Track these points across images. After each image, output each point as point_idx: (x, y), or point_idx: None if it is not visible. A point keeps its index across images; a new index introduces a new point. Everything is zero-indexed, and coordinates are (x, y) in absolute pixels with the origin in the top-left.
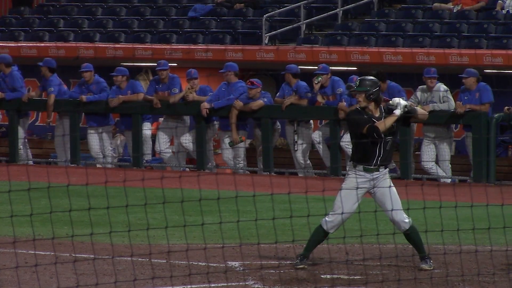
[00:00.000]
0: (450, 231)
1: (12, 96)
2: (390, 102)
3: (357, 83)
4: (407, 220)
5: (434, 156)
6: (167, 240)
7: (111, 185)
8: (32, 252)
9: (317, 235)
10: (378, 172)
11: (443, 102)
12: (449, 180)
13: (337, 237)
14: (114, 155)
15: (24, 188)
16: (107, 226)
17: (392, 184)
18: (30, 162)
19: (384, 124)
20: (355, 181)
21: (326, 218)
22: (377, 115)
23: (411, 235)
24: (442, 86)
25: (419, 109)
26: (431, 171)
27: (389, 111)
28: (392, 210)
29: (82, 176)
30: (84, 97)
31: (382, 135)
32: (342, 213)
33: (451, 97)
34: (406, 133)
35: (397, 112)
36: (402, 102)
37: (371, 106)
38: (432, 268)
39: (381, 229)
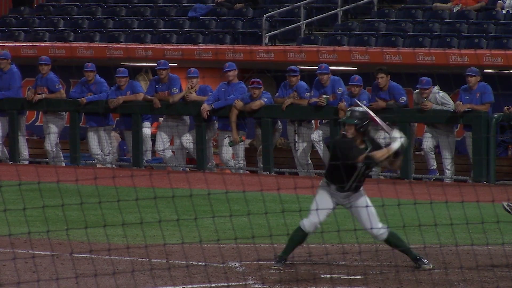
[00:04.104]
0: (458, 223)
1: (5, 95)
2: (392, 133)
3: (348, 114)
4: (382, 231)
5: (434, 144)
6: (182, 239)
7: (118, 184)
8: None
9: (296, 236)
10: (351, 192)
11: (442, 105)
12: (448, 180)
13: (348, 230)
14: (112, 153)
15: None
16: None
17: (367, 199)
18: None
19: (378, 156)
20: (328, 190)
21: (304, 219)
22: (362, 147)
23: (391, 241)
24: (438, 90)
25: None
26: (431, 155)
27: (374, 144)
28: (370, 227)
29: (81, 176)
30: (84, 99)
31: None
32: (329, 211)
33: (449, 100)
34: (406, 133)
35: (395, 146)
36: (403, 140)
37: (359, 137)
38: (432, 267)
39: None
